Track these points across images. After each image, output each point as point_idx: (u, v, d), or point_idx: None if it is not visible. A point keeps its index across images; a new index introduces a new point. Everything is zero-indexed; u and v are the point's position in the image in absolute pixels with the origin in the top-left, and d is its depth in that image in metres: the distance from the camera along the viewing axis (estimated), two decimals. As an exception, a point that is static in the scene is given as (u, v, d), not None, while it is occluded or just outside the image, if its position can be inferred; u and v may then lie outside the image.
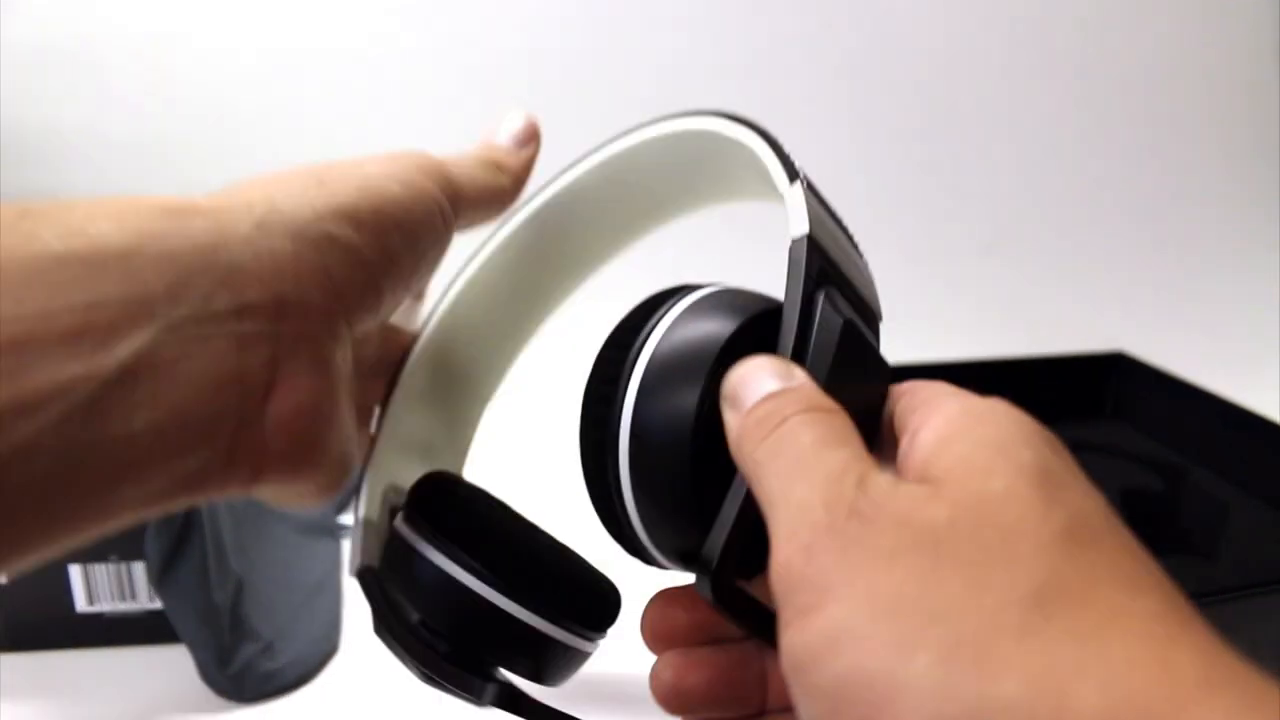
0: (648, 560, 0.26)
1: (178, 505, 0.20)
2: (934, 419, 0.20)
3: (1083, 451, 0.65)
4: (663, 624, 0.25)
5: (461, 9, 0.77)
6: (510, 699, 0.25)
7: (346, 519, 0.59)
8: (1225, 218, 0.85)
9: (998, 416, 0.20)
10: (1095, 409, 0.69)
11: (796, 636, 0.17)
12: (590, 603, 0.28)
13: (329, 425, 0.23)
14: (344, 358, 0.23)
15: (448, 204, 0.26)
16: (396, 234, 0.24)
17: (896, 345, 0.90)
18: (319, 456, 0.23)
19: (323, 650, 0.46)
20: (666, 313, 0.24)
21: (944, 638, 0.15)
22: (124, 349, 0.18)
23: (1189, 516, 0.56)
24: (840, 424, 0.20)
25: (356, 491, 0.32)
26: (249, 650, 0.43)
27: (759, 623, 0.21)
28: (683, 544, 0.24)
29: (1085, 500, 0.19)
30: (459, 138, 0.84)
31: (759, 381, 0.21)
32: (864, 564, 0.17)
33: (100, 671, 0.45)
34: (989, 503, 0.17)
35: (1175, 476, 0.58)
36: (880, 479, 0.18)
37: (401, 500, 0.28)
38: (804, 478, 0.18)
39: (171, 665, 0.44)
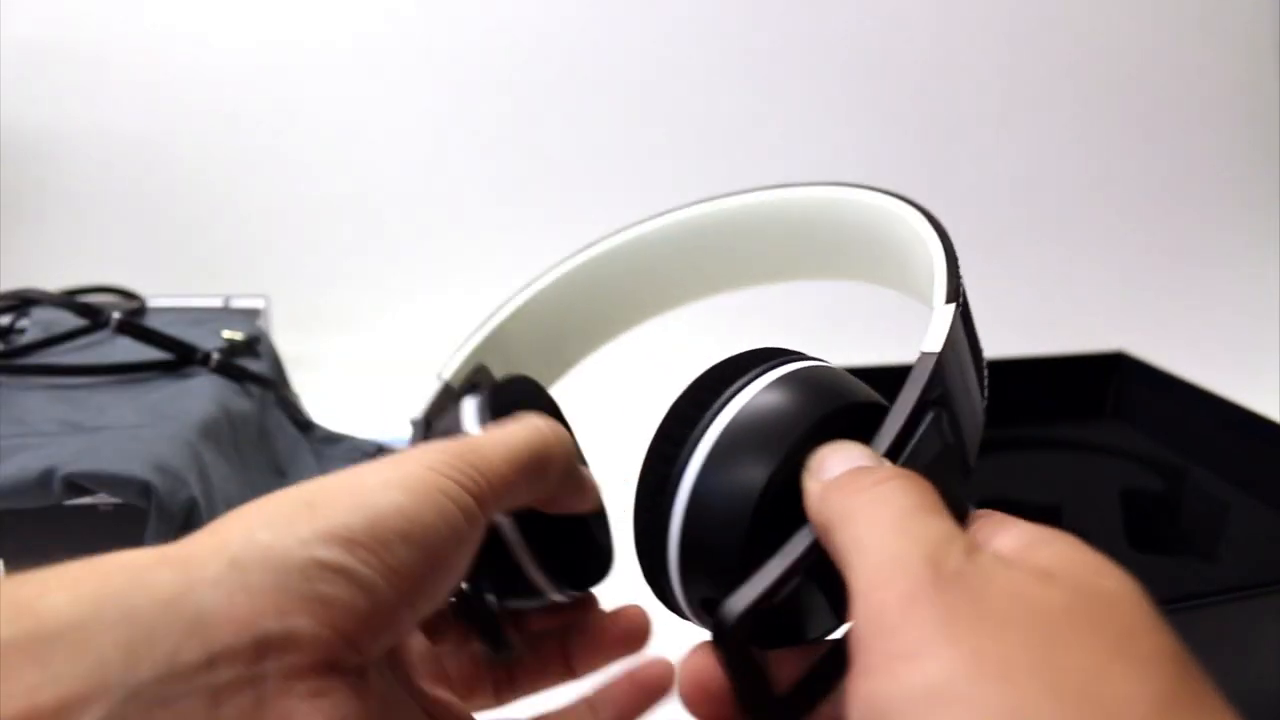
0: (679, 611, 0.27)
1: None
2: (1010, 529, 0.20)
3: (1083, 452, 0.65)
4: (698, 682, 0.23)
5: (463, 9, 0.76)
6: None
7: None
8: (1226, 218, 0.85)
9: (1070, 539, 0.20)
10: (1095, 409, 0.69)
11: (887, 684, 0.16)
12: (575, 562, 0.28)
13: None
14: (372, 678, 0.21)
15: (471, 497, 0.23)
16: (403, 547, 0.21)
17: (897, 345, 0.90)
18: None
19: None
20: (760, 376, 0.24)
21: (1061, 714, 0.15)
22: None
23: (1189, 517, 0.56)
24: (938, 499, 0.19)
25: None
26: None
27: (757, 693, 0.20)
28: (712, 593, 0.23)
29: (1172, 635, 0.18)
30: (460, 136, 0.84)
31: (850, 458, 0.20)
32: (972, 627, 0.16)
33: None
34: (1105, 598, 0.17)
35: (1175, 476, 0.58)
36: (987, 553, 0.18)
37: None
38: (904, 534, 0.18)
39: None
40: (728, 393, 0.24)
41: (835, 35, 0.78)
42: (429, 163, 0.81)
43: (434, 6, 0.76)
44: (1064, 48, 0.79)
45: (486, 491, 0.24)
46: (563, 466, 0.26)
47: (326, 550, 0.20)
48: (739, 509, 0.22)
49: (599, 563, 0.29)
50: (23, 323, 0.61)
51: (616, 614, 0.29)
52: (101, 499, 0.43)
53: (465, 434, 0.27)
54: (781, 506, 0.22)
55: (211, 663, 0.18)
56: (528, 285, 0.37)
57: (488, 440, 0.25)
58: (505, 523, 0.26)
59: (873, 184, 0.32)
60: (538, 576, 0.27)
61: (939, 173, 0.82)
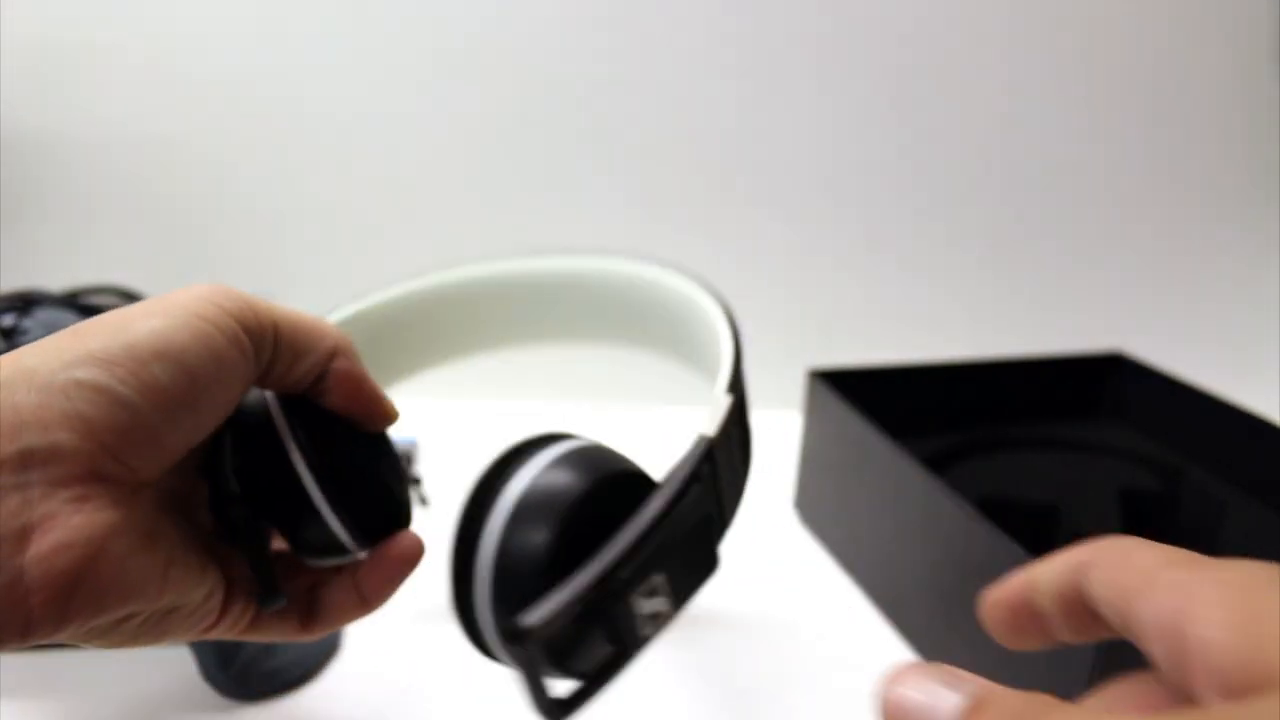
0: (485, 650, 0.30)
1: None
2: (1202, 601, 0.16)
3: (1080, 451, 0.65)
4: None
5: (467, 13, 0.77)
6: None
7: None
8: (1225, 218, 0.85)
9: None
10: (1094, 409, 0.69)
11: None
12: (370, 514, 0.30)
13: (108, 559, 0.22)
14: (114, 501, 0.22)
15: (237, 324, 0.25)
16: (158, 365, 0.23)
17: (899, 346, 0.91)
18: (98, 590, 0.22)
19: (324, 649, 0.47)
20: (535, 457, 0.29)
21: None
22: None
23: (1187, 516, 0.56)
24: None
25: None
26: (250, 649, 0.43)
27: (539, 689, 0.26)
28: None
29: None
30: (463, 137, 0.84)
31: (935, 696, 0.19)
32: None
33: (101, 671, 0.45)
34: None
35: (1173, 476, 0.58)
36: None
37: None
38: None
39: (173, 664, 0.44)
40: (519, 469, 0.28)
41: (833, 35, 0.78)
42: (430, 163, 0.81)
43: (437, 8, 0.77)
44: (1063, 47, 0.79)
45: (253, 323, 0.25)
46: (341, 350, 0.28)
47: (85, 370, 0.22)
48: (536, 557, 0.27)
49: (398, 513, 0.31)
50: (25, 323, 0.61)
51: (392, 541, 0.30)
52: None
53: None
54: (569, 556, 0.26)
55: None
56: (361, 298, 0.42)
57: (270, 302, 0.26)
58: (306, 474, 0.27)
59: (685, 268, 0.38)
60: (343, 535, 0.28)
61: (938, 173, 0.82)
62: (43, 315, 0.60)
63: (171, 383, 0.23)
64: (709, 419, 0.30)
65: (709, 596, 0.53)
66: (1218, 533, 0.53)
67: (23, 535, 0.20)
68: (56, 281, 0.65)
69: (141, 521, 0.23)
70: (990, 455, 0.61)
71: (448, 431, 0.72)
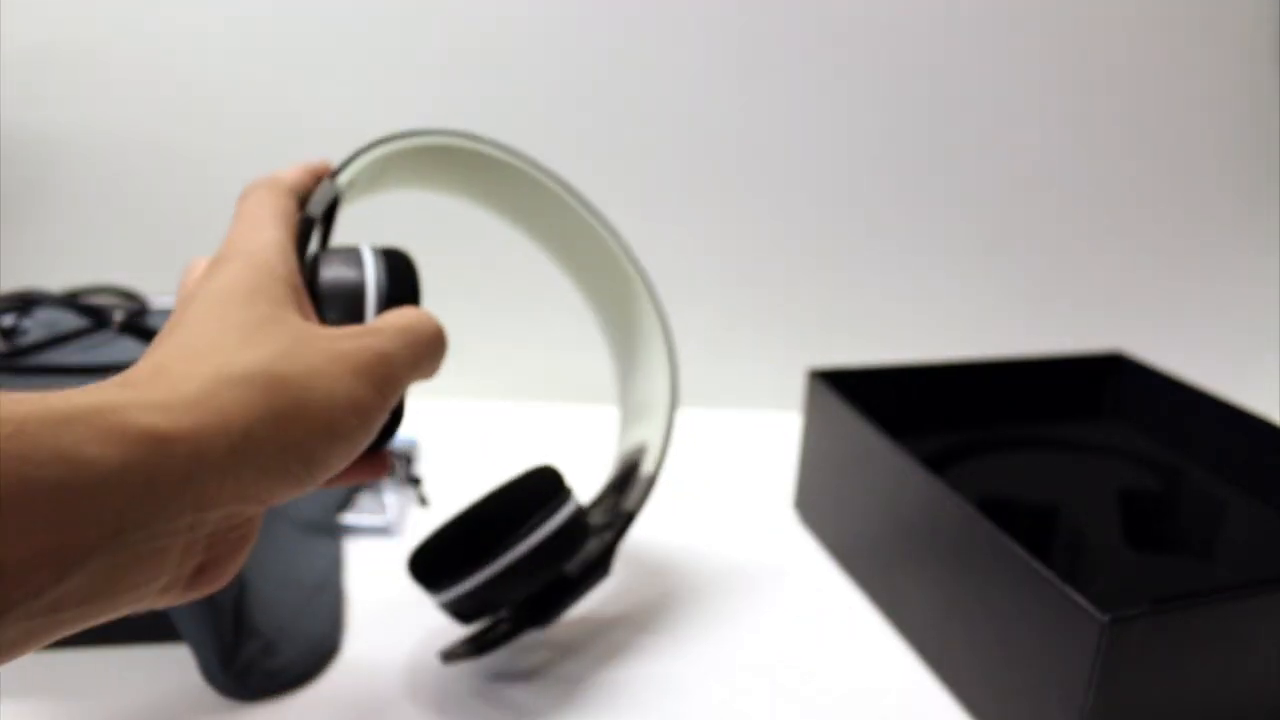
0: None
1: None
2: None
3: (1081, 452, 0.65)
4: None
5: (466, 11, 0.77)
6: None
7: (347, 519, 0.59)
8: (1225, 219, 0.85)
9: None
10: (1094, 409, 0.69)
11: None
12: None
13: (247, 543, 0.27)
14: (260, 516, 0.28)
15: (385, 412, 0.30)
16: (339, 462, 0.28)
17: (900, 346, 0.91)
18: (237, 563, 0.27)
19: (324, 649, 0.47)
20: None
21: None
22: (92, 563, 0.21)
23: (1187, 516, 0.56)
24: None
25: (354, 492, 0.54)
26: (251, 649, 0.43)
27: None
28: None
29: None
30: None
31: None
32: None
33: (101, 671, 0.45)
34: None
35: (1173, 477, 0.58)
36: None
37: None
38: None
39: (173, 664, 0.44)
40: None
41: (834, 34, 0.78)
42: (429, 163, 0.81)
43: (436, 8, 0.77)
44: (1064, 47, 0.79)
45: (394, 400, 0.30)
46: (441, 360, 0.34)
47: (300, 465, 0.26)
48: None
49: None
50: (25, 323, 0.61)
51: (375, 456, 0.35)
52: (104, 499, 0.43)
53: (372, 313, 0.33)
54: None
55: (194, 525, 0.24)
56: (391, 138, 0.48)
57: (405, 359, 0.30)
58: None
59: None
60: None
61: (937, 172, 0.82)
62: (42, 315, 0.60)
63: (341, 465, 0.28)
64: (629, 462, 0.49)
65: (709, 597, 0.53)
66: (1218, 533, 0.53)
67: (206, 553, 0.25)
68: (56, 281, 0.65)
69: (260, 521, 0.28)
70: (990, 455, 0.61)
71: (448, 431, 0.72)
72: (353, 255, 0.34)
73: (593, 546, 0.45)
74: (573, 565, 0.44)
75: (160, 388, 0.24)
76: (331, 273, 0.33)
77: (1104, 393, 0.69)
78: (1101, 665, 0.35)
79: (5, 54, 0.78)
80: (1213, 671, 0.38)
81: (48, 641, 0.22)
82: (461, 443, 0.71)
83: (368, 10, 0.76)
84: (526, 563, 0.41)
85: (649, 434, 0.49)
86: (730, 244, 0.83)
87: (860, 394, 0.56)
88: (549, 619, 0.44)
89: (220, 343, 0.27)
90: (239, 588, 0.45)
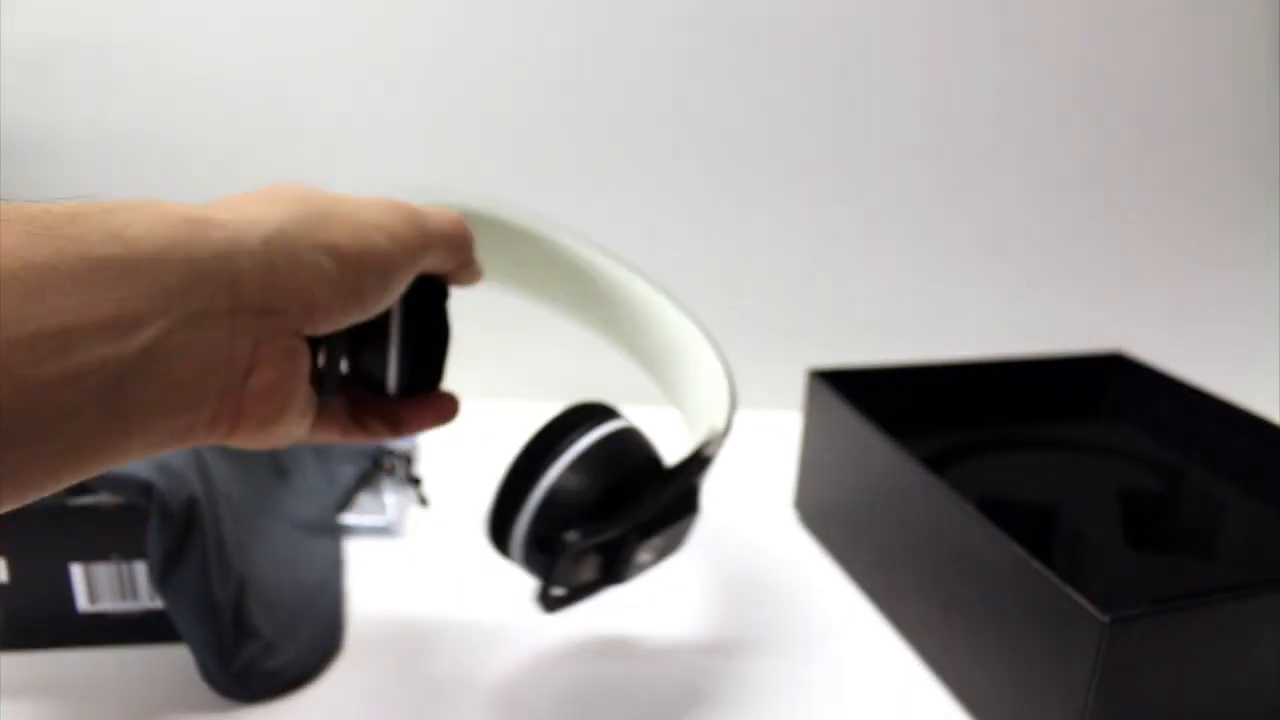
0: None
1: (169, 450, 0.27)
2: None
3: (1081, 451, 0.65)
4: None
5: (466, 10, 0.77)
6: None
7: (348, 519, 0.59)
8: (1225, 218, 0.85)
9: None
10: (1094, 409, 0.69)
11: None
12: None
13: (291, 399, 0.30)
14: (305, 352, 0.30)
15: (419, 251, 0.33)
16: (370, 277, 0.31)
17: (899, 346, 0.90)
18: (281, 420, 0.30)
19: (324, 649, 0.46)
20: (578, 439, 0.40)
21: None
22: (146, 335, 0.23)
23: (1187, 516, 0.56)
24: None
25: (355, 492, 0.52)
26: (251, 649, 0.43)
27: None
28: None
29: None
30: (461, 136, 0.84)
31: None
32: None
33: (101, 671, 0.45)
34: None
35: (1174, 477, 0.58)
36: None
37: None
38: None
39: (173, 665, 0.44)
40: (582, 430, 0.40)
41: (834, 34, 0.78)
42: (430, 162, 0.81)
43: (435, 8, 0.77)
44: (1064, 47, 0.79)
45: (426, 249, 0.34)
46: (470, 250, 0.38)
47: (327, 259, 0.29)
48: (583, 498, 0.38)
49: (434, 375, 0.42)
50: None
51: (439, 397, 0.42)
52: (104, 498, 0.43)
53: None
54: (600, 505, 0.38)
55: (234, 311, 0.26)
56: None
57: (436, 215, 0.35)
58: (394, 334, 0.37)
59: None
60: (393, 380, 0.39)
61: (938, 173, 0.82)
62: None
63: (371, 291, 0.31)
64: (710, 439, 0.41)
65: (709, 597, 0.53)
66: (1218, 533, 0.53)
67: (250, 368, 0.28)
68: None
69: (307, 363, 0.30)
70: (990, 455, 0.61)
71: (448, 432, 0.72)
72: None
73: (674, 487, 0.41)
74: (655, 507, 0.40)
75: (202, 204, 0.27)
76: None
77: (1104, 393, 0.69)
78: (1102, 666, 0.35)
79: (5, 54, 0.78)
80: (1213, 672, 0.38)
81: (108, 452, 0.24)
82: (461, 443, 0.71)
83: (368, 10, 0.76)
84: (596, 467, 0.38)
85: (715, 420, 0.45)
86: (730, 244, 0.83)
87: (860, 394, 0.56)
88: (652, 534, 0.40)
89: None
90: (238, 587, 0.45)
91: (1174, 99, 0.81)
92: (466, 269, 0.38)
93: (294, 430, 0.31)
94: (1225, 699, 0.39)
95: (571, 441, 0.39)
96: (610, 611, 0.50)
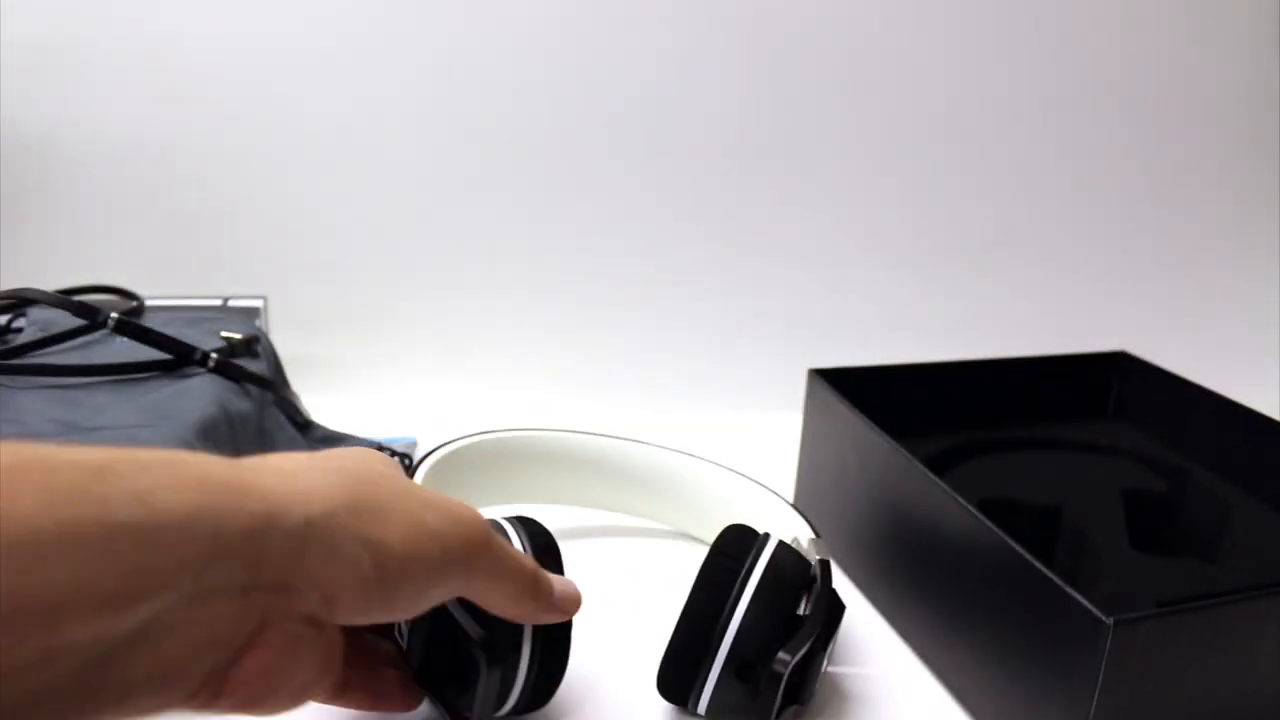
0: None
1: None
2: None
3: (1084, 452, 0.64)
4: None
5: (466, 11, 0.76)
6: None
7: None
8: (1227, 218, 0.85)
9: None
10: (1097, 409, 0.69)
11: None
12: None
13: (282, 684, 0.27)
14: (311, 641, 0.27)
15: (471, 579, 0.30)
16: (408, 587, 0.28)
17: (899, 346, 0.90)
18: (264, 704, 0.27)
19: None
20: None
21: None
22: (143, 612, 0.21)
23: (1191, 517, 0.56)
24: None
25: None
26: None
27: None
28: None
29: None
30: (461, 136, 0.84)
31: None
32: None
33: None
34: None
35: (1177, 477, 0.58)
36: None
37: None
38: None
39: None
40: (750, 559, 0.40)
41: (834, 36, 0.77)
42: (429, 162, 0.81)
43: (435, 8, 0.76)
44: (1064, 47, 0.79)
45: (480, 578, 0.31)
46: (541, 601, 0.34)
47: (368, 557, 0.26)
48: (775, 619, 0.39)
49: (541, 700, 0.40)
50: (19, 322, 0.61)
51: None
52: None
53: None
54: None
55: (249, 589, 0.23)
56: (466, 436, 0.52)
57: (505, 552, 0.32)
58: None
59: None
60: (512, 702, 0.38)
61: (940, 173, 0.81)
62: (37, 314, 0.59)
63: (404, 601, 0.28)
64: (810, 544, 0.44)
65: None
66: (1222, 534, 0.52)
67: (247, 647, 0.25)
68: (56, 281, 0.64)
69: (312, 653, 0.27)
70: (992, 456, 0.60)
71: (448, 432, 0.72)
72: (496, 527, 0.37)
73: (827, 593, 0.41)
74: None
75: (252, 462, 0.25)
76: None
77: (1107, 393, 0.69)
78: (1105, 668, 0.35)
79: (5, 54, 0.77)
80: (1217, 674, 0.38)
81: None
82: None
83: (368, 9, 0.76)
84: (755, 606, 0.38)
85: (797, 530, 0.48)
86: (730, 244, 0.83)
87: (860, 394, 0.56)
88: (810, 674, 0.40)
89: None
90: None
91: (1177, 99, 0.81)
92: (534, 612, 0.34)
93: (281, 710, 0.28)
94: (1229, 701, 0.39)
95: (747, 570, 0.39)
96: (606, 612, 0.50)
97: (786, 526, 0.47)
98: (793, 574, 0.40)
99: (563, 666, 0.39)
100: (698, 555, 0.41)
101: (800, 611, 0.40)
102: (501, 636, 0.35)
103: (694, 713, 0.41)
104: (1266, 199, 0.84)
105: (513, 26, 0.77)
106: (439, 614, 0.33)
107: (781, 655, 0.36)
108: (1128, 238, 0.84)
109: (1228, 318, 0.87)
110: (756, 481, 0.52)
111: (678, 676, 0.40)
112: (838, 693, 0.45)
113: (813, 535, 0.45)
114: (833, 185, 0.82)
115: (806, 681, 0.39)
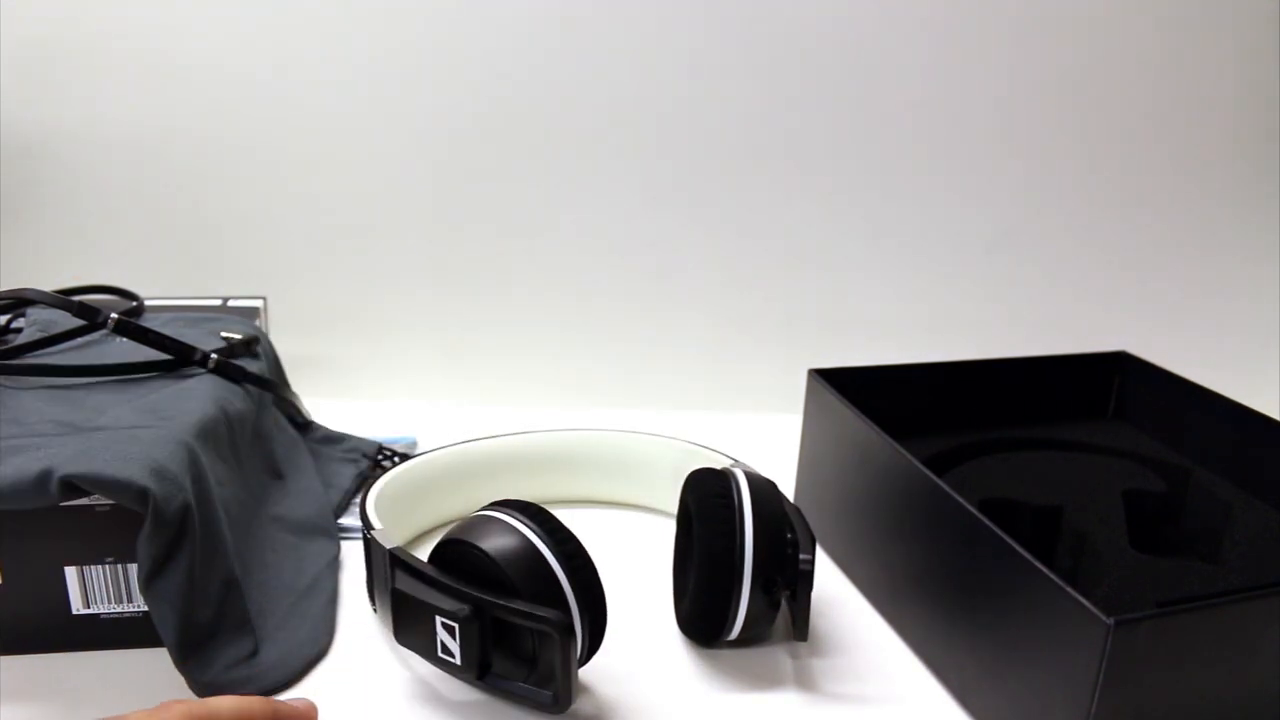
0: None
1: None
2: None
3: (1085, 452, 0.64)
4: None
5: (465, 13, 0.76)
6: None
7: (346, 521, 0.58)
8: (1228, 218, 0.84)
9: None
10: (1099, 409, 0.68)
11: None
12: None
13: None
14: None
15: None
16: None
17: (900, 346, 0.90)
18: None
19: (310, 652, 0.46)
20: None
21: None
22: None
23: (1192, 518, 0.56)
24: None
25: (354, 494, 0.51)
26: (232, 654, 0.43)
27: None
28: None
29: None
30: (461, 137, 0.84)
31: None
32: None
33: (96, 673, 0.44)
34: None
35: (1178, 477, 0.58)
36: None
37: None
38: None
39: (167, 668, 0.44)
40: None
41: (834, 36, 0.77)
42: (429, 162, 0.81)
43: (435, 9, 0.76)
44: (1065, 46, 0.78)
45: None
46: None
47: None
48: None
49: None
50: (19, 323, 0.61)
51: None
52: (98, 499, 0.43)
53: None
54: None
55: None
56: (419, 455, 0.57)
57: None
58: None
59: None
60: None
61: (938, 173, 0.81)
62: (37, 315, 0.60)
63: None
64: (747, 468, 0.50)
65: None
66: (1223, 535, 0.52)
67: None
68: (56, 282, 0.64)
69: None
70: (993, 456, 0.60)
71: (447, 432, 0.72)
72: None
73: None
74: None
75: None
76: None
77: (1109, 393, 0.69)
78: (1106, 668, 0.35)
79: (5, 54, 0.77)
80: (1218, 674, 0.38)
81: None
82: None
83: (369, 10, 0.76)
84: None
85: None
86: (730, 245, 0.83)
87: (860, 394, 0.56)
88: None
89: None
90: (225, 592, 0.45)
91: (1177, 99, 0.81)
92: None
93: None
94: (1230, 701, 0.39)
95: (739, 499, 0.45)
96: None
97: (718, 461, 0.54)
98: (766, 489, 0.46)
99: (604, 615, 0.42)
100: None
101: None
102: (556, 607, 0.39)
103: (726, 640, 0.46)
104: (1267, 199, 0.84)
105: (514, 27, 0.77)
106: (484, 616, 0.38)
107: (803, 556, 0.43)
108: (1128, 238, 0.84)
109: (1228, 318, 0.87)
110: (657, 435, 0.60)
111: (709, 612, 0.44)
112: (837, 692, 0.45)
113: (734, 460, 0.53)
114: (833, 185, 0.81)
115: (802, 584, 0.44)
